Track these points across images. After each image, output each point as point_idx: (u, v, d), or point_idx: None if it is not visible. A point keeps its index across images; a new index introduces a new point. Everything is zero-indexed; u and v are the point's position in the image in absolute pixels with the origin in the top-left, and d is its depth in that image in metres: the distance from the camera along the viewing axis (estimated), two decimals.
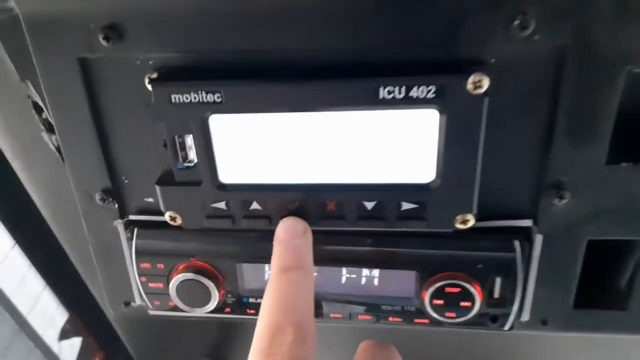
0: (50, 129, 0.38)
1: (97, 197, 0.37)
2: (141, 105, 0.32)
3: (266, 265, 0.37)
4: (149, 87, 0.31)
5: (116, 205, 0.37)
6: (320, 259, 0.35)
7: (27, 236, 0.60)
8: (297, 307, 0.28)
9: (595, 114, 0.29)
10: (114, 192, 0.37)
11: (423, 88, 0.28)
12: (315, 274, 0.35)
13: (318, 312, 0.38)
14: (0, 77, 0.36)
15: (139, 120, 0.34)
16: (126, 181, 0.37)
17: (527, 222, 0.34)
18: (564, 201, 0.32)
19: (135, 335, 0.59)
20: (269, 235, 0.34)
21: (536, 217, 0.33)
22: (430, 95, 0.28)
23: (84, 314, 0.71)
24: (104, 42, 0.30)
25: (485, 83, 0.28)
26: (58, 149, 0.38)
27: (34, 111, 0.37)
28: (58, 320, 0.71)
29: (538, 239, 0.34)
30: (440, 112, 0.29)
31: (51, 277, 0.67)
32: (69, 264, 0.49)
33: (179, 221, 0.35)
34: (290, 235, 0.32)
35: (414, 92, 0.28)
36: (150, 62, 0.31)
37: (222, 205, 0.33)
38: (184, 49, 0.31)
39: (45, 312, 0.69)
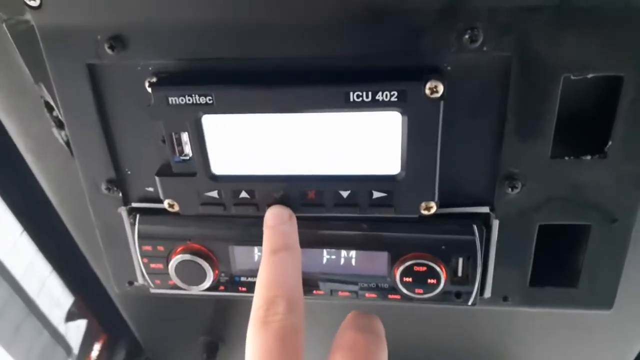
0: (60, 126, 0.42)
1: (103, 186, 0.41)
2: (142, 105, 0.36)
3: (255, 248, 0.41)
4: (149, 90, 0.35)
5: (120, 194, 0.41)
6: (304, 242, 0.39)
7: (35, 224, 0.63)
8: (287, 282, 0.32)
9: (539, 115, 0.33)
10: (118, 182, 0.41)
11: (387, 93, 0.32)
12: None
13: (304, 289, 0.42)
14: (16, 80, 0.39)
15: (140, 119, 0.38)
16: (129, 172, 0.41)
17: (484, 209, 0.38)
18: (516, 190, 0.36)
19: (138, 314, 0.63)
20: (257, 221, 0.37)
21: (493, 204, 0.37)
22: (394, 99, 0.32)
23: (88, 297, 0.74)
24: (109, 51, 0.34)
25: (441, 88, 0.32)
26: (67, 143, 0.42)
27: (45, 110, 0.41)
28: (64, 303, 0.75)
29: (495, 224, 0.38)
30: (402, 113, 0.33)
31: (58, 263, 0.70)
32: (75, 250, 0.53)
33: (176, 208, 0.39)
34: (277, 221, 0.36)
35: (380, 96, 0.32)
36: (150, 68, 0.35)
37: (214, 194, 0.38)
38: (179, 57, 0.35)
39: (52, 295, 0.73)
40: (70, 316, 0.76)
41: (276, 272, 0.32)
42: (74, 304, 0.75)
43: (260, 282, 0.32)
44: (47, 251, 0.67)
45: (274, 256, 0.33)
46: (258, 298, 0.31)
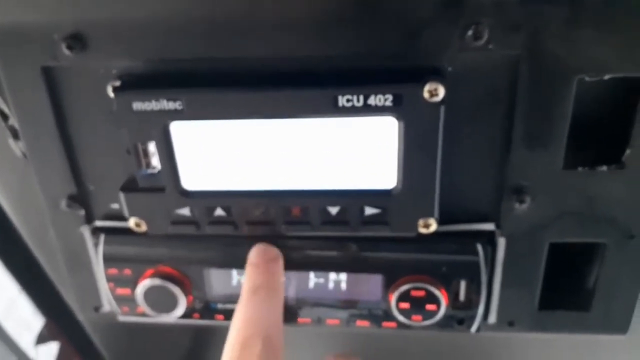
0: (16, 136, 0.38)
1: (64, 203, 0.37)
2: (105, 113, 0.32)
3: (234, 271, 0.37)
4: (112, 94, 0.31)
5: (83, 212, 0.37)
6: (288, 264, 0.35)
7: (2, 243, 0.59)
8: (266, 321, 0.30)
9: (550, 121, 0.30)
10: (80, 198, 0.37)
11: (380, 97, 0.28)
12: (283, 278, 0.35)
13: (287, 316, 0.38)
14: None
15: (103, 128, 0.34)
16: (92, 187, 0.37)
17: (489, 226, 0.34)
18: (525, 205, 0.32)
19: (109, 340, 0.59)
20: (235, 241, 0.34)
21: (498, 220, 0.34)
22: (388, 103, 0.28)
23: (60, 319, 0.71)
24: (67, 52, 0.30)
25: (441, 91, 0.28)
26: (25, 155, 0.38)
27: None
28: (34, 325, 0.71)
29: (501, 242, 0.34)
30: (398, 119, 0.29)
31: (26, 282, 0.66)
32: (43, 269, 0.49)
33: (143, 227, 0.35)
34: (262, 259, 0.34)
35: (372, 101, 0.28)
36: (114, 71, 0.32)
37: (186, 211, 0.34)
38: (146, 58, 0.31)
39: (21, 317, 0.69)
40: (41, 339, 0.73)
41: (254, 311, 0.31)
42: (45, 325, 0.72)
43: (236, 320, 0.30)
44: (15, 270, 0.64)
45: (254, 295, 0.32)
46: (232, 337, 0.29)
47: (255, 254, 0.34)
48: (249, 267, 0.34)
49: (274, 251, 0.35)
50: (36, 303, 0.68)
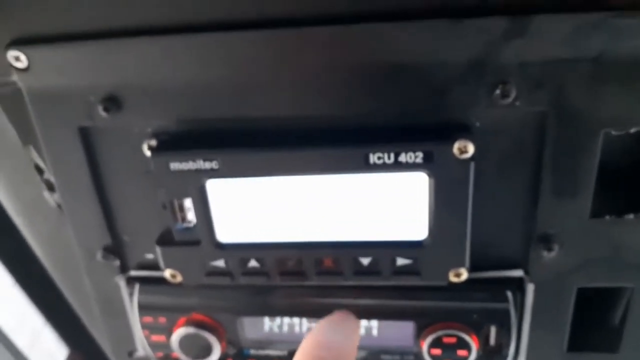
0: (51, 188, 0.39)
1: (99, 254, 0.38)
2: (140, 169, 0.33)
3: (266, 318, 0.38)
4: (148, 153, 0.32)
5: (118, 262, 0.38)
6: (319, 312, 0.35)
7: (28, 276, 0.60)
8: None
9: (578, 173, 0.30)
10: (115, 249, 0.38)
11: (411, 154, 0.29)
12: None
13: None
14: (3, 142, 0.37)
15: (138, 183, 0.35)
16: (127, 238, 0.37)
17: (518, 273, 0.35)
18: (553, 253, 0.33)
19: None
20: (268, 289, 0.34)
21: (527, 267, 0.34)
22: (419, 160, 0.29)
23: (85, 350, 0.71)
24: (103, 113, 0.31)
25: (471, 148, 0.29)
26: (59, 206, 0.39)
27: (36, 172, 0.38)
28: (59, 357, 0.71)
29: (530, 288, 0.34)
30: (429, 175, 0.30)
31: (52, 315, 0.67)
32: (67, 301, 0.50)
33: (179, 278, 0.36)
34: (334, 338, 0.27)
35: (403, 158, 0.29)
36: (149, 130, 0.32)
37: (220, 263, 0.34)
38: (179, 118, 0.32)
39: (45, 349, 0.69)
40: None
41: None
42: (69, 357, 0.72)
43: None
44: (41, 302, 0.64)
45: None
46: None
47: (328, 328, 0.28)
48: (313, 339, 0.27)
49: (354, 323, 0.29)
50: (61, 335, 0.69)
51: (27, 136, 0.35)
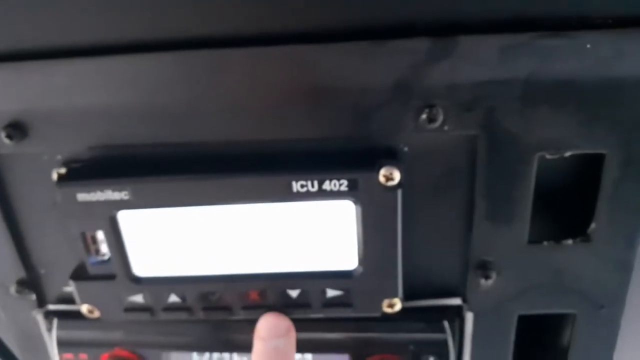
0: None
1: (13, 288, 0.35)
2: (51, 198, 0.31)
3: (194, 354, 0.35)
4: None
5: (34, 296, 0.35)
6: (247, 347, 0.33)
7: None
8: None
9: (513, 198, 0.29)
10: (31, 283, 0.35)
11: (335, 182, 0.27)
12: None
13: None
14: None
15: (51, 213, 0.32)
16: (43, 271, 0.35)
17: (456, 301, 0.33)
18: (490, 280, 0.31)
19: None
20: (194, 324, 0.32)
21: (465, 295, 0.33)
22: (344, 188, 0.27)
23: None
24: (6, 140, 0.29)
25: (397, 176, 0.27)
26: None
27: None
28: None
29: (469, 317, 0.33)
30: (355, 203, 0.28)
31: None
32: None
33: (96, 314, 0.33)
34: (271, 334, 0.31)
35: (327, 186, 0.27)
36: (58, 157, 0.30)
37: (139, 298, 0.32)
38: (90, 145, 0.29)
39: None
40: None
41: None
42: None
43: None
44: None
45: None
46: None
47: (264, 327, 0.31)
48: (257, 341, 0.31)
49: (285, 323, 0.31)
50: None
51: None
